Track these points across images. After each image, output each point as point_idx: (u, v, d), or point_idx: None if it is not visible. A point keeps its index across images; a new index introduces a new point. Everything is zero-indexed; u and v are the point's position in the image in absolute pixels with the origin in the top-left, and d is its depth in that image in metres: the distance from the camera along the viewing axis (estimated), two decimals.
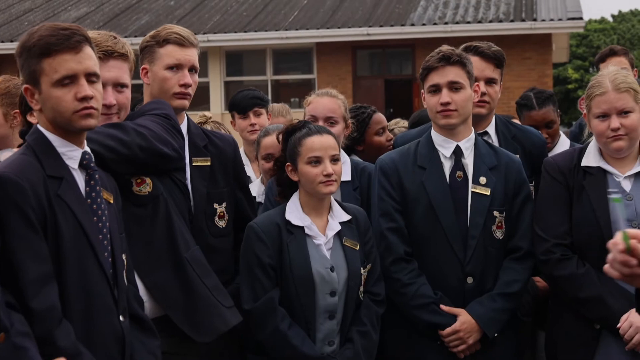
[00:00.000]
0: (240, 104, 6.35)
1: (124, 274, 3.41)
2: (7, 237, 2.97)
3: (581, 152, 4.42)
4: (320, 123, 4.77)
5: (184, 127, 4.31)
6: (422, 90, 4.48)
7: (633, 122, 4.17)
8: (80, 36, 3.20)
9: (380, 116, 6.04)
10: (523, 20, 24.02)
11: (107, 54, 3.82)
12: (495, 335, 4.36)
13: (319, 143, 4.09)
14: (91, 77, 3.20)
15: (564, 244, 4.28)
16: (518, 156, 4.76)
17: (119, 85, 3.94)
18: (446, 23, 24.58)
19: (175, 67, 4.22)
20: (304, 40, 25.94)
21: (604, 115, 4.16)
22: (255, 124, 6.23)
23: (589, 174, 4.33)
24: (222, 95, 26.08)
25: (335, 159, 4.11)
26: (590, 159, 4.34)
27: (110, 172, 3.60)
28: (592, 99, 4.27)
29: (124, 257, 3.43)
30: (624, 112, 4.14)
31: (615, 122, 4.12)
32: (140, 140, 3.78)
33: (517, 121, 5.77)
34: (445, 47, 4.44)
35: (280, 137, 4.37)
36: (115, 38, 4.00)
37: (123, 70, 3.99)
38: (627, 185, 4.28)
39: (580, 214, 4.28)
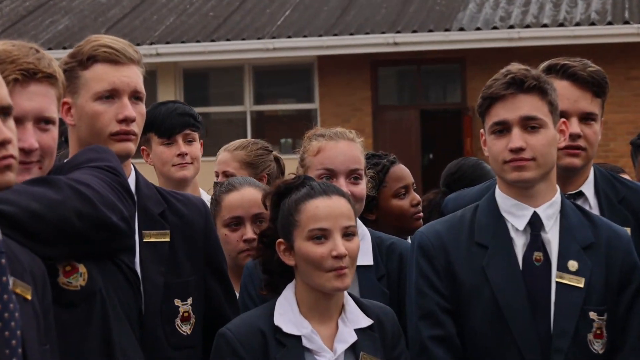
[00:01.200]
0: (165, 122, 6.23)
1: None
2: None
3: None
4: (341, 180, 4.75)
5: (131, 184, 4.23)
6: (482, 130, 4.47)
7: None
8: None
9: (401, 169, 6.01)
10: (627, 23, 24.07)
11: (27, 75, 3.69)
12: None
13: (326, 209, 4.02)
14: (4, 111, 3.09)
15: None
16: (628, 229, 4.69)
17: (42, 121, 3.76)
18: (511, 27, 24.66)
19: (109, 95, 4.17)
20: (300, 53, 26.06)
21: None
22: (187, 154, 6.19)
23: None
24: None
25: (349, 234, 4.03)
26: None
27: (31, 249, 3.44)
28: None
29: None
30: None
31: None
32: (80, 203, 3.62)
33: (627, 176, 5.70)
34: (515, 66, 4.40)
35: (268, 200, 4.29)
36: (38, 52, 3.84)
37: (49, 99, 3.82)
38: None
39: None
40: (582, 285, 4.24)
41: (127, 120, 4.15)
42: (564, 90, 4.66)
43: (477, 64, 23.43)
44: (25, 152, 3.55)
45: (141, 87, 4.29)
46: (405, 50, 25.12)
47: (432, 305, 4.29)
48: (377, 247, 4.82)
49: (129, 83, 4.18)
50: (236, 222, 5.19)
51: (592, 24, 24.11)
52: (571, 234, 4.34)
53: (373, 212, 5.67)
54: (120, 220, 3.80)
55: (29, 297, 3.23)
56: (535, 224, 4.31)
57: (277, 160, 6.58)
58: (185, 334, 4.25)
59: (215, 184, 6.02)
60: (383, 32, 25.11)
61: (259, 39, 25.72)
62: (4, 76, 3.45)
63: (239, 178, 5.63)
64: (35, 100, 3.70)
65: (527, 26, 24.41)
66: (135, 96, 4.23)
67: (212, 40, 26.08)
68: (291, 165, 5.51)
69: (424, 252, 4.38)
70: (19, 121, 3.47)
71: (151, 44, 25.43)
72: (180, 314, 4.23)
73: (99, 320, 3.79)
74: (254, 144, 6.70)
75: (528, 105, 4.24)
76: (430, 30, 25.10)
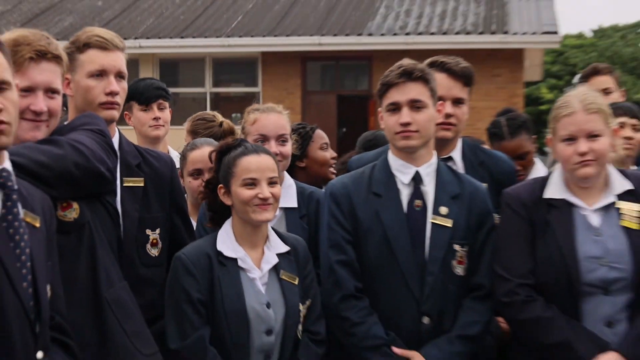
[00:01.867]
0: (144, 93, 6.26)
1: (48, 306, 3.20)
2: None
3: (544, 183, 4.45)
4: (272, 142, 4.80)
5: (115, 142, 4.23)
6: (380, 109, 4.49)
7: (602, 146, 4.17)
8: None
9: (322, 132, 6.16)
10: (493, 33, 24.28)
11: (39, 55, 3.73)
12: None
13: (255, 163, 4.09)
14: (1, 85, 3.05)
15: (528, 284, 4.25)
16: (486, 185, 4.78)
17: (50, 91, 3.81)
18: (407, 34, 24.70)
19: (99, 73, 4.16)
20: (248, 49, 25.94)
21: (571, 139, 4.19)
22: (160, 118, 6.22)
23: (554, 207, 4.33)
24: None
25: (273, 182, 4.10)
26: (554, 190, 4.37)
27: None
28: (559, 120, 4.29)
29: (48, 288, 3.21)
30: (593, 136, 4.17)
31: (583, 145, 4.13)
32: (77, 157, 3.67)
33: (487, 147, 5.78)
34: (406, 61, 4.45)
35: (214, 156, 4.33)
36: (48, 38, 3.87)
37: (56, 75, 3.86)
38: (595, 220, 4.29)
39: (545, 251, 4.27)
40: (450, 225, 4.32)
41: (112, 94, 4.15)
42: (441, 80, 4.69)
43: (382, 61, 23.38)
44: (36, 113, 3.64)
45: (124, 69, 4.29)
46: (328, 50, 25.06)
47: (338, 238, 4.34)
48: (300, 195, 4.87)
49: (115, 65, 4.18)
50: (197, 173, 5.21)
51: (468, 33, 24.15)
52: (443, 187, 4.40)
53: (303, 160, 5.78)
54: (107, 170, 3.84)
55: (38, 225, 3.20)
56: (417, 179, 4.38)
57: (222, 124, 6.54)
58: (154, 255, 4.25)
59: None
60: (312, 35, 25.06)
61: (217, 37, 25.57)
62: (21, 55, 3.56)
63: (201, 139, 5.67)
64: (45, 74, 3.72)
65: (419, 34, 24.41)
66: (119, 75, 4.22)
67: (182, 37, 25.94)
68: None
69: (333, 198, 4.44)
70: (32, 90, 3.59)
71: (135, 38, 25.18)
72: (150, 240, 4.24)
73: (88, 246, 3.80)
74: (196, 116, 6.73)
75: (415, 90, 4.30)
76: (347, 35, 25.04)
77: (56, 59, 3.84)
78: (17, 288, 3.02)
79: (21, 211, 3.14)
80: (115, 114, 4.26)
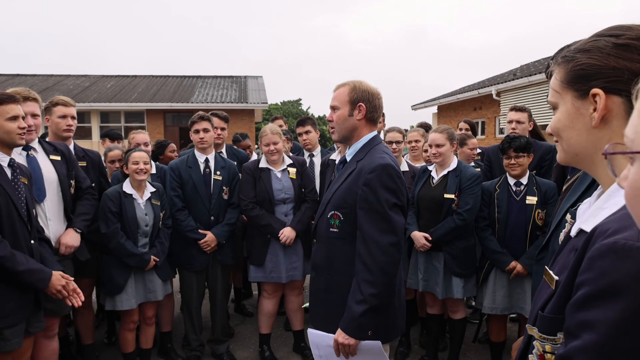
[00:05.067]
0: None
1: (36, 222, 2.86)
2: None
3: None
4: (142, 146, 4.43)
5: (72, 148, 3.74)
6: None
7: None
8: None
9: (173, 145, 5.34)
10: (241, 102, 23.61)
11: (25, 98, 3.22)
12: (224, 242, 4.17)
13: (138, 155, 3.80)
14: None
15: (252, 202, 4.05)
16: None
17: (32, 116, 3.25)
18: (210, 102, 23.18)
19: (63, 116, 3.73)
20: (140, 107, 23.65)
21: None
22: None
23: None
24: None
25: (145, 163, 3.80)
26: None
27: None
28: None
29: (34, 211, 2.86)
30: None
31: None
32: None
33: None
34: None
35: (123, 153, 3.99)
36: (29, 90, 3.29)
37: (36, 108, 3.28)
38: (279, 174, 4.07)
39: (260, 187, 4.06)
40: (220, 178, 4.16)
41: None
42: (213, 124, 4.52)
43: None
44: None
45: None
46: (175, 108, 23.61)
47: (174, 185, 4.12)
48: (158, 169, 4.46)
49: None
50: (113, 162, 4.50)
51: (231, 102, 23.24)
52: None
53: (160, 157, 5.08)
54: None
55: (26, 182, 2.82)
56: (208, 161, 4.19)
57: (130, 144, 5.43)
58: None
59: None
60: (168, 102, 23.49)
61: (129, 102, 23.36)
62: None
63: (116, 145, 4.80)
64: (30, 108, 3.29)
65: (214, 102, 23.32)
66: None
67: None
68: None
69: (172, 169, 4.16)
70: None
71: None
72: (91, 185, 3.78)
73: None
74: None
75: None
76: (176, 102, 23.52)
77: (35, 100, 3.30)
78: (20, 212, 2.66)
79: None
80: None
